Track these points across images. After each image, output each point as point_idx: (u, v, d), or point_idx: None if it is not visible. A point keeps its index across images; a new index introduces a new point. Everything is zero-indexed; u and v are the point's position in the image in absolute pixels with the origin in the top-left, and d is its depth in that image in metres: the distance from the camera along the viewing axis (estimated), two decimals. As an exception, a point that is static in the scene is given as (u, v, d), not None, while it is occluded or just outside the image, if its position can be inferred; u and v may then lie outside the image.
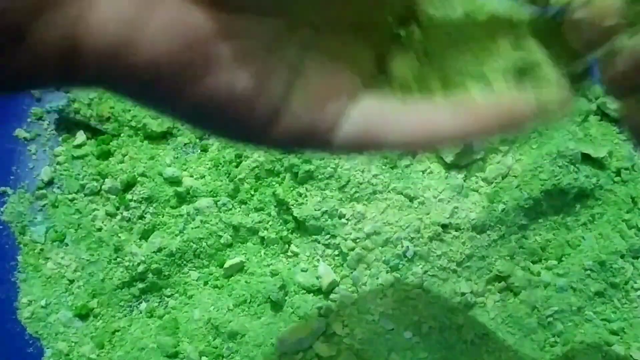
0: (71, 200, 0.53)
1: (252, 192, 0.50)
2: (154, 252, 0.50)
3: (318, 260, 0.49)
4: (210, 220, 0.50)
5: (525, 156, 0.50)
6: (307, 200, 0.49)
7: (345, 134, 0.23)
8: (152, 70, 0.20)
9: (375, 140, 0.24)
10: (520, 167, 0.50)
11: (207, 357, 0.48)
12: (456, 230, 0.49)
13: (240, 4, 0.20)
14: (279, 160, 0.50)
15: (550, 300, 0.49)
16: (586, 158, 0.52)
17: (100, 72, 0.20)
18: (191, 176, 0.52)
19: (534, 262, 0.49)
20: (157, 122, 0.53)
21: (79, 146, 0.54)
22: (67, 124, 0.56)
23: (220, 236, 0.50)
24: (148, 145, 0.54)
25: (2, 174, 0.55)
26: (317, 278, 0.49)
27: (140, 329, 0.50)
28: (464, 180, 0.50)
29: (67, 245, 0.53)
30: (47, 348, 0.51)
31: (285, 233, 0.50)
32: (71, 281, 0.52)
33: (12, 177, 0.55)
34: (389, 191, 0.49)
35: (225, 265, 0.50)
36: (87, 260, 0.52)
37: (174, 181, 0.52)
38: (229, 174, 0.51)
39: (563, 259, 0.50)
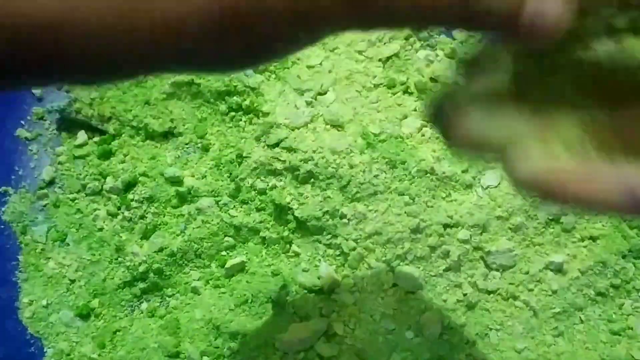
0: (72, 200, 0.53)
1: (254, 192, 0.50)
2: (155, 252, 0.50)
3: (319, 260, 0.49)
4: (212, 220, 0.50)
5: (526, 156, 0.50)
6: (308, 200, 0.49)
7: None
8: None
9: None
10: (522, 167, 0.49)
11: (208, 357, 0.48)
12: (457, 230, 0.49)
13: None
14: (280, 161, 0.50)
15: (551, 300, 0.49)
16: (587, 158, 0.52)
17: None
18: (192, 176, 0.52)
19: (534, 262, 0.49)
20: (158, 122, 0.53)
21: (80, 146, 0.54)
22: (68, 124, 0.55)
23: (222, 236, 0.50)
24: (149, 144, 0.54)
25: (4, 173, 0.54)
26: (319, 278, 0.49)
27: (141, 328, 0.50)
28: (465, 180, 0.50)
29: (68, 245, 0.53)
30: (48, 348, 0.51)
31: (286, 233, 0.50)
32: (72, 281, 0.52)
33: (13, 177, 0.55)
34: (390, 191, 0.49)
35: (227, 265, 0.50)
36: (88, 260, 0.52)
37: (175, 181, 0.52)
38: (230, 173, 0.51)
39: (564, 258, 0.50)
